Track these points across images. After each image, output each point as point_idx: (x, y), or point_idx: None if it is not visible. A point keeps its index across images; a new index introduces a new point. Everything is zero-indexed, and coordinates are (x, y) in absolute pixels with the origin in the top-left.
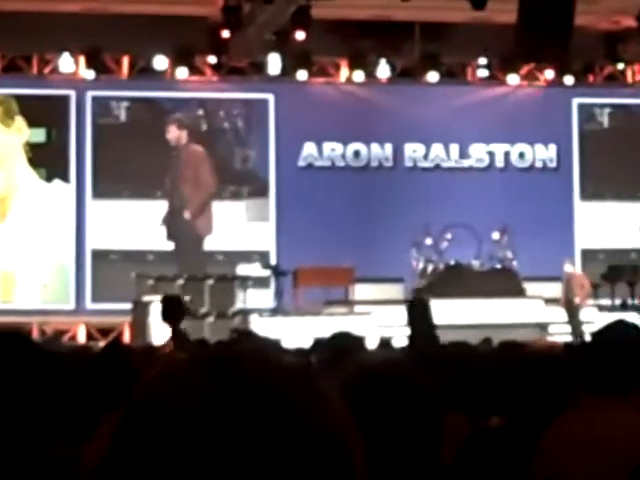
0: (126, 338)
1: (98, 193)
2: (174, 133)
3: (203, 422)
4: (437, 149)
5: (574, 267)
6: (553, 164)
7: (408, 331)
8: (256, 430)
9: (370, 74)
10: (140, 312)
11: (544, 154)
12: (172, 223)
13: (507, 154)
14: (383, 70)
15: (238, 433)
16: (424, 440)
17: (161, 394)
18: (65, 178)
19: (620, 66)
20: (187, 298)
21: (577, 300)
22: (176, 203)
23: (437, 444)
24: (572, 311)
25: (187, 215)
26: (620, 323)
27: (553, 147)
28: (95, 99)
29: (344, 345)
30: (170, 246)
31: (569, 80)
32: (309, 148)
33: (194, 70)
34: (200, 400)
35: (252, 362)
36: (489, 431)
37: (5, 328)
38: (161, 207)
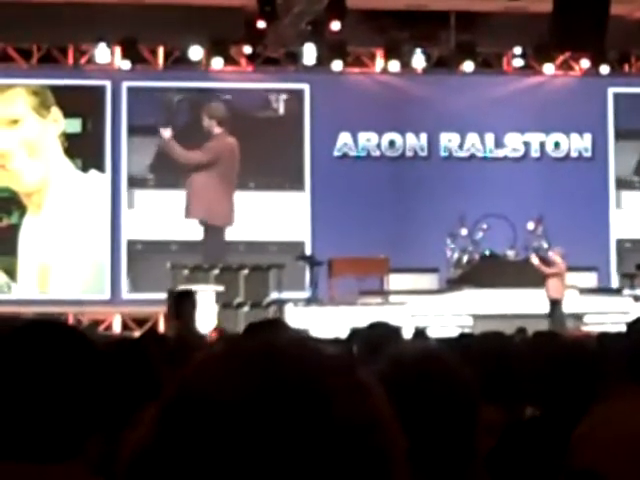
0: (161, 328)
1: (133, 183)
2: (206, 122)
3: (242, 414)
4: (472, 139)
5: (561, 257)
6: (588, 154)
7: None
8: (295, 422)
9: (405, 64)
10: (175, 302)
11: (579, 144)
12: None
13: (542, 144)
14: (418, 60)
15: (277, 425)
16: (461, 431)
17: (201, 385)
18: (101, 168)
19: None
20: (222, 288)
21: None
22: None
23: (474, 435)
24: (551, 300)
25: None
26: None
27: (588, 137)
28: (130, 89)
29: (381, 335)
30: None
31: (605, 69)
32: (344, 138)
33: (229, 60)
34: (239, 392)
35: (292, 353)
36: (524, 422)
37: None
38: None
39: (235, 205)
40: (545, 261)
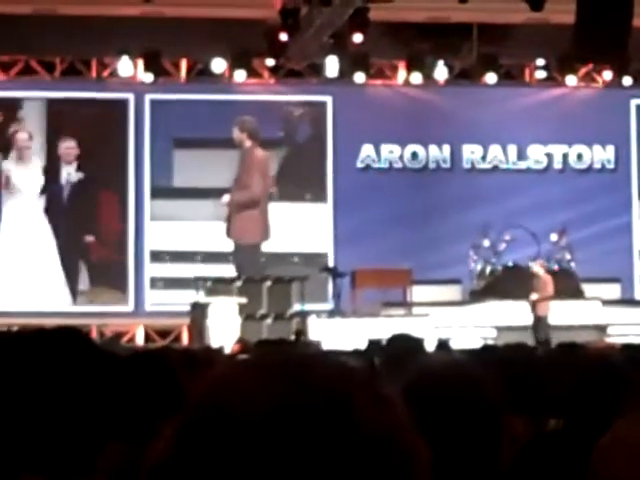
0: (184, 340)
1: (156, 194)
2: (237, 135)
3: (265, 428)
4: (495, 150)
5: (542, 269)
6: (611, 165)
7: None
8: (318, 436)
9: (428, 76)
10: (198, 314)
11: (602, 155)
12: (227, 224)
13: (565, 155)
14: (441, 72)
15: (301, 438)
16: (486, 443)
17: (223, 398)
18: (124, 180)
19: None
20: (244, 300)
21: (536, 300)
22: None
23: (498, 447)
24: (536, 313)
25: (233, 218)
26: None
27: (611, 148)
28: (153, 102)
29: (404, 347)
30: (229, 246)
31: (627, 81)
32: (367, 150)
33: (252, 73)
34: (262, 406)
35: (315, 367)
36: (548, 433)
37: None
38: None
39: (268, 218)
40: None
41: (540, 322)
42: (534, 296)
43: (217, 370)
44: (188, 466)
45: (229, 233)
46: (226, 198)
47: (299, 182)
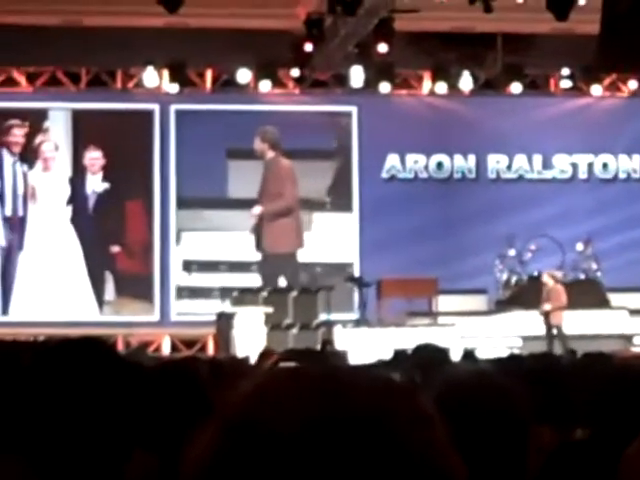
0: (210, 350)
1: (182, 204)
2: (258, 145)
3: (301, 440)
4: (520, 160)
5: (551, 279)
6: (637, 175)
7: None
8: (355, 451)
9: (453, 86)
10: (224, 324)
11: (628, 165)
12: (258, 234)
13: (590, 165)
14: (466, 82)
15: (337, 452)
16: (513, 453)
17: (263, 410)
18: (149, 191)
19: None
20: (270, 310)
21: (549, 311)
22: (260, 216)
23: (525, 457)
24: (549, 323)
25: (266, 228)
26: None
27: (637, 157)
28: (178, 113)
29: (429, 357)
30: (257, 256)
31: None
32: (392, 160)
33: (277, 83)
34: (299, 417)
35: (355, 381)
36: (574, 443)
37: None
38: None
39: (302, 226)
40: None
41: (554, 332)
42: (546, 307)
43: (257, 379)
44: (225, 475)
45: (261, 244)
46: (258, 209)
47: (324, 192)
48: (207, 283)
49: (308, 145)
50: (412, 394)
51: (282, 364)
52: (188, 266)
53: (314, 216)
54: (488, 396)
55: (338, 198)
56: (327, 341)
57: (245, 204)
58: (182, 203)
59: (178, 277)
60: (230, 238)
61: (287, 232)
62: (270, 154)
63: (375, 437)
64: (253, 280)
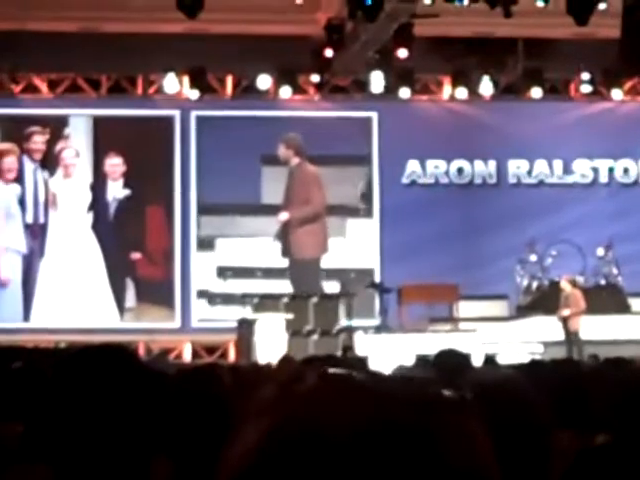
0: (231, 356)
1: (203, 210)
2: (283, 152)
3: (350, 449)
4: (541, 165)
5: (569, 284)
6: None
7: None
8: (403, 462)
9: (473, 91)
10: (245, 330)
11: None
12: (285, 240)
13: (611, 170)
14: (486, 87)
15: (383, 462)
16: (536, 458)
17: (309, 416)
18: (169, 197)
19: None
20: (291, 316)
21: (568, 316)
22: (286, 222)
23: (548, 462)
24: (567, 329)
25: (291, 234)
26: None
27: None
28: (199, 119)
29: (451, 362)
30: (282, 263)
31: None
32: (413, 165)
33: (297, 89)
34: (348, 428)
35: (404, 391)
36: (595, 448)
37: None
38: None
39: (327, 233)
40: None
41: (572, 338)
42: (565, 312)
43: (308, 383)
44: (268, 478)
45: (288, 250)
46: (285, 215)
47: (344, 198)
48: (235, 289)
49: (334, 151)
50: (461, 409)
51: (331, 370)
52: (222, 272)
53: (335, 221)
54: (513, 401)
55: (368, 204)
56: (348, 347)
57: (272, 210)
58: (206, 209)
59: (202, 283)
60: (254, 244)
61: (314, 238)
62: (295, 160)
63: (420, 450)
64: (285, 286)
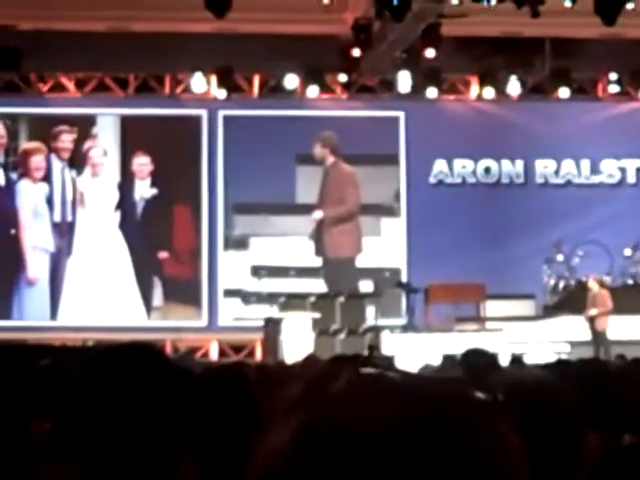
0: (258, 355)
1: (236, 209)
2: (319, 151)
3: (379, 448)
4: (568, 165)
5: (596, 284)
6: None
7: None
8: (431, 465)
9: (500, 91)
10: (272, 329)
11: None
12: (319, 239)
13: (639, 169)
14: (513, 87)
15: (412, 464)
16: (566, 459)
17: (340, 415)
18: (197, 196)
19: None
20: (318, 315)
21: (595, 316)
22: (321, 221)
23: (578, 463)
24: (594, 329)
25: (325, 233)
26: None
27: None
28: (226, 118)
29: (478, 362)
30: (316, 262)
31: None
32: (440, 165)
33: (324, 88)
34: (379, 427)
35: (436, 393)
36: (623, 449)
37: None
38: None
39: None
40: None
41: (599, 338)
42: (592, 312)
43: (339, 383)
44: (299, 477)
45: (322, 249)
46: (319, 214)
47: (372, 197)
48: (268, 288)
49: (362, 150)
50: (491, 410)
51: (361, 369)
52: (256, 271)
53: (362, 221)
54: (544, 402)
55: (399, 203)
56: (374, 346)
57: (306, 209)
58: (244, 209)
59: (231, 282)
60: (286, 244)
61: (349, 237)
62: (330, 159)
63: (451, 451)
64: (318, 285)
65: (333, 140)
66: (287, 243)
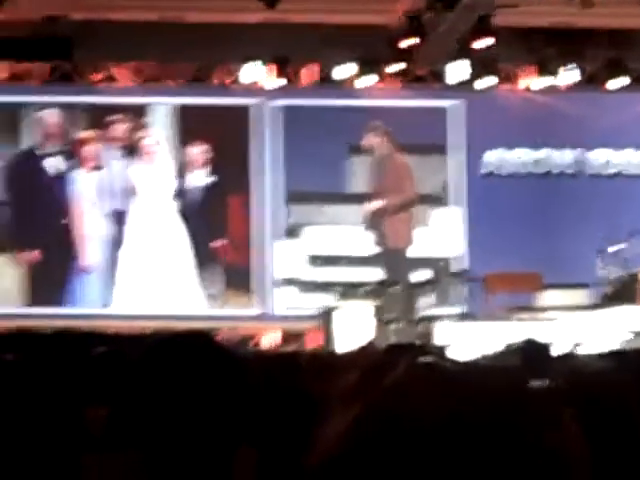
0: (313, 344)
1: (289, 198)
2: (373, 140)
3: (439, 436)
4: (622, 156)
5: None
6: None
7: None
8: (489, 452)
9: (554, 81)
10: (327, 318)
11: None
12: (377, 229)
13: None
14: (567, 77)
15: (467, 453)
16: (624, 448)
17: (396, 403)
18: (246, 188)
19: None
20: (374, 304)
21: None
22: (378, 210)
23: (636, 452)
24: None
25: (384, 223)
26: None
27: None
28: (280, 108)
29: (535, 351)
30: (371, 251)
31: None
32: (493, 155)
33: (377, 79)
34: (439, 414)
35: (492, 379)
36: None
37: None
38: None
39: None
40: None
41: None
42: None
43: (398, 373)
44: (358, 465)
45: (381, 238)
46: (377, 203)
47: (429, 187)
48: (320, 277)
49: (415, 140)
50: (550, 399)
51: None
52: (309, 260)
53: (428, 211)
54: (605, 391)
55: (450, 193)
56: (429, 335)
57: (359, 199)
58: (297, 197)
59: (285, 270)
60: (342, 233)
61: (405, 227)
62: (385, 149)
63: (509, 439)
64: (370, 274)
65: (387, 129)
66: (338, 232)
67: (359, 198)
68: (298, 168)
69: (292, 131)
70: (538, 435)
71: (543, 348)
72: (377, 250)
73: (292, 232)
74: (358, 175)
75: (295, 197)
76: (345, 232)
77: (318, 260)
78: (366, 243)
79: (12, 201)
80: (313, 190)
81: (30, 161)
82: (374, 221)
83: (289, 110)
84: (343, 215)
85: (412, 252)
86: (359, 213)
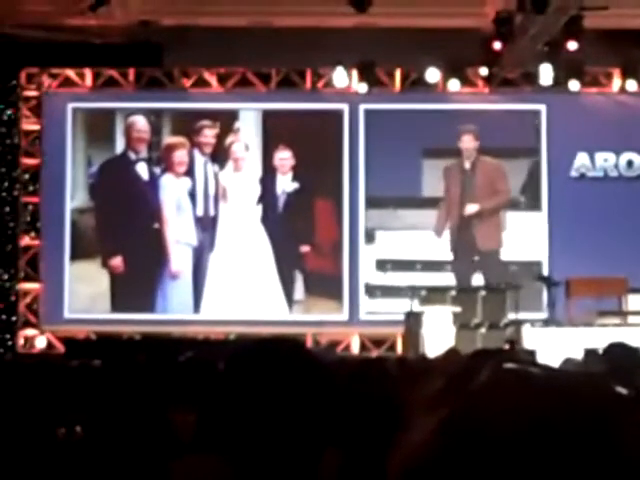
0: (399, 349)
1: (369, 203)
2: (470, 143)
3: (527, 443)
4: None
5: None
6: None
7: None
8: (579, 459)
9: None
10: (412, 323)
11: None
12: (468, 232)
13: None
14: None
15: (560, 459)
16: None
17: (482, 407)
18: (336, 191)
19: None
20: (459, 309)
21: None
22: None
23: None
24: None
25: (477, 226)
26: None
27: None
28: (368, 112)
29: (621, 356)
30: (443, 256)
31: None
32: (581, 158)
33: (466, 82)
34: (526, 421)
35: (579, 388)
36: None
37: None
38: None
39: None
40: None
41: None
42: None
43: (484, 378)
44: (444, 473)
45: (472, 242)
46: (474, 207)
47: (512, 190)
48: (399, 282)
49: (501, 143)
50: (636, 406)
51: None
52: (382, 265)
53: (508, 215)
54: None
55: (530, 197)
56: (514, 340)
57: (432, 203)
58: (374, 202)
59: (368, 276)
60: (423, 237)
61: (496, 230)
62: (475, 152)
63: (596, 445)
64: (444, 279)
65: (478, 132)
66: (413, 237)
67: (433, 202)
68: (382, 172)
69: (379, 135)
70: (627, 444)
71: (629, 353)
72: (444, 255)
73: (368, 237)
74: (430, 179)
75: (373, 202)
76: (417, 237)
77: (391, 265)
78: (442, 248)
79: (103, 206)
80: (390, 195)
81: (122, 166)
82: (464, 225)
83: (377, 114)
84: (416, 219)
85: (503, 256)
86: (431, 217)
